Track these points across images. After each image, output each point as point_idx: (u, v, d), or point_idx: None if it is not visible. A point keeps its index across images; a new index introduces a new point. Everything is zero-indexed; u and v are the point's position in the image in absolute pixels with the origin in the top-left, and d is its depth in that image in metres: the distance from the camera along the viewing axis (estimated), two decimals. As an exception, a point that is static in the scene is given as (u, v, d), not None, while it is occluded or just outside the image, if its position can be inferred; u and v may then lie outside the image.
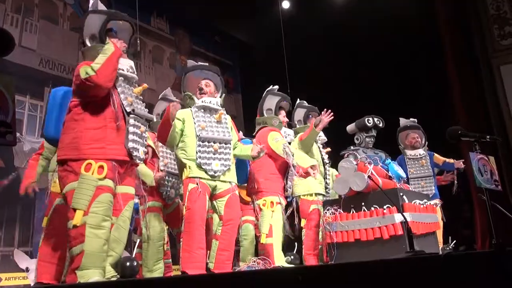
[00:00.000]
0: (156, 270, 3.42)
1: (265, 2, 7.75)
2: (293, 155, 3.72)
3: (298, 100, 4.43)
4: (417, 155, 4.95)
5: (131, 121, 2.55)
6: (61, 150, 2.51)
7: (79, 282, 2.19)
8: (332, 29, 7.44)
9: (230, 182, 3.26)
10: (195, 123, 3.22)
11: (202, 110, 3.29)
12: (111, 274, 2.43)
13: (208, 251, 3.21)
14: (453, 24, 6.94)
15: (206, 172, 3.14)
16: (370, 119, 4.10)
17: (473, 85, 6.76)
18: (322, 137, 4.40)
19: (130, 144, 2.52)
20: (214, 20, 8.10)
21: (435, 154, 5.04)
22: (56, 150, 3.54)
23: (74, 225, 2.31)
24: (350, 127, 4.28)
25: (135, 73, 2.73)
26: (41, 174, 3.63)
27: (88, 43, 2.64)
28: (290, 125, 4.53)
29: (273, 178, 3.80)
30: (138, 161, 2.60)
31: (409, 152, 4.97)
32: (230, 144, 3.30)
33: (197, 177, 3.11)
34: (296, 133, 4.27)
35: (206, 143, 3.19)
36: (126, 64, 2.65)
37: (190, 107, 3.33)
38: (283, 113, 4.15)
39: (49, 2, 6.16)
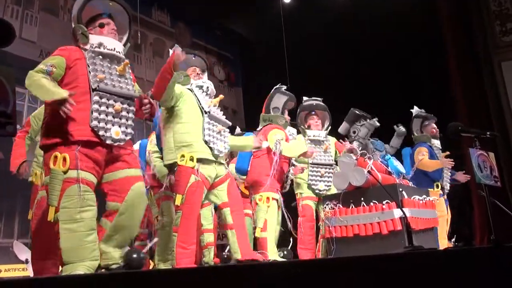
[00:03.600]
0: (169, 260, 3.41)
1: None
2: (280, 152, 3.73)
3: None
4: (438, 146, 4.96)
5: (95, 98, 2.41)
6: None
7: (80, 274, 2.17)
8: (333, 25, 7.41)
9: (225, 165, 3.22)
10: (199, 101, 3.16)
11: (202, 91, 3.24)
12: (113, 261, 2.36)
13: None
14: (455, 20, 6.91)
15: (211, 150, 3.06)
16: (357, 110, 4.15)
17: (475, 82, 6.74)
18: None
19: (94, 123, 2.38)
20: (215, 13, 8.08)
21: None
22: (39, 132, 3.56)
23: (49, 221, 2.28)
24: (343, 127, 4.27)
25: (116, 49, 2.58)
26: (27, 153, 3.61)
27: (72, 25, 2.62)
28: (293, 125, 4.54)
29: (274, 175, 3.78)
30: (109, 142, 2.42)
31: (434, 141, 4.96)
32: (228, 128, 3.28)
33: (201, 160, 3.00)
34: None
35: (213, 122, 3.14)
36: (106, 43, 2.56)
37: (185, 85, 3.25)
38: (286, 112, 4.14)
39: (49, -6, 6.14)
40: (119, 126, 2.47)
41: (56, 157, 2.31)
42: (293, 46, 7.32)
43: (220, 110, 3.29)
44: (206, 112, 3.10)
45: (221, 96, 3.29)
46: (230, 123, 3.31)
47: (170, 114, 3.11)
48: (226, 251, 4.38)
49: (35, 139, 3.63)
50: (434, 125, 5.05)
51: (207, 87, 3.26)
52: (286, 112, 4.12)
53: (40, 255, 3.20)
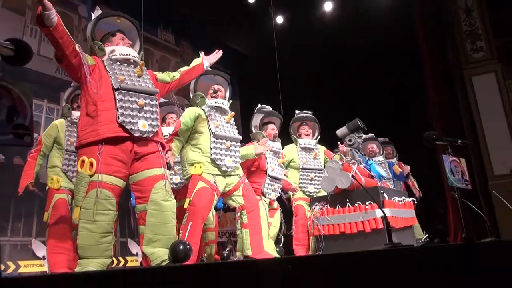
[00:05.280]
0: None
1: (262, 15, 7.76)
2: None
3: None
4: (376, 162, 5.09)
5: (119, 96, 2.42)
6: None
7: (90, 270, 2.17)
8: (320, 39, 7.41)
9: (238, 175, 3.25)
10: (209, 121, 3.21)
11: (214, 110, 3.29)
12: (160, 259, 2.33)
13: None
14: (429, 36, 6.94)
15: (219, 168, 3.11)
16: (359, 120, 4.12)
17: (448, 94, 6.79)
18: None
19: (120, 119, 2.37)
20: (215, 32, 8.10)
21: (395, 165, 5.20)
22: (51, 147, 3.55)
23: (75, 219, 2.33)
24: (342, 131, 4.25)
25: (130, 54, 2.59)
26: (38, 172, 3.61)
27: (88, 44, 2.67)
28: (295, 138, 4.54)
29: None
30: (138, 135, 2.42)
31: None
32: (239, 142, 3.33)
33: (211, 174, 3.07)
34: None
35: (220, 140, 3.18)
36: (121, 50, 2.59)
37: (200, 107, 3.31)
38: (271, 126, 4.14)
39: (65, 15, 6.13)
40: (145, 120, 2.47)
41: (83, 161, 2.32)
42: (288, 58, 7.18)
43: (230, 125, 3.32)
44: (212, 133, 3.16)
45: (232, 113, 3.35)
46: (240, 137, 3.33)
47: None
48: (226, 250, 4.38)
49: (48, 154, 3.65)
50: (371, 145, 5.22)
51: (222, 109, 3.31)
52: (271, 127, 4.13)
53: (55, 251, 3.24)
